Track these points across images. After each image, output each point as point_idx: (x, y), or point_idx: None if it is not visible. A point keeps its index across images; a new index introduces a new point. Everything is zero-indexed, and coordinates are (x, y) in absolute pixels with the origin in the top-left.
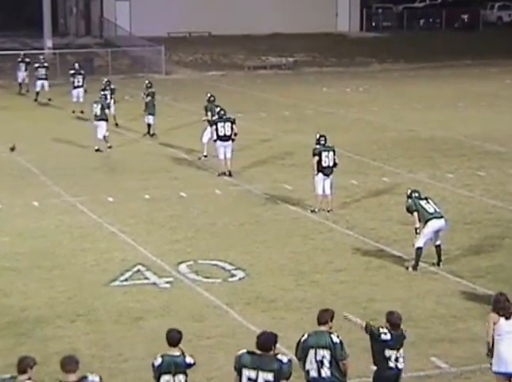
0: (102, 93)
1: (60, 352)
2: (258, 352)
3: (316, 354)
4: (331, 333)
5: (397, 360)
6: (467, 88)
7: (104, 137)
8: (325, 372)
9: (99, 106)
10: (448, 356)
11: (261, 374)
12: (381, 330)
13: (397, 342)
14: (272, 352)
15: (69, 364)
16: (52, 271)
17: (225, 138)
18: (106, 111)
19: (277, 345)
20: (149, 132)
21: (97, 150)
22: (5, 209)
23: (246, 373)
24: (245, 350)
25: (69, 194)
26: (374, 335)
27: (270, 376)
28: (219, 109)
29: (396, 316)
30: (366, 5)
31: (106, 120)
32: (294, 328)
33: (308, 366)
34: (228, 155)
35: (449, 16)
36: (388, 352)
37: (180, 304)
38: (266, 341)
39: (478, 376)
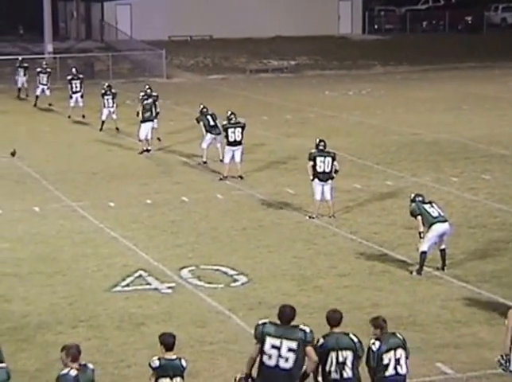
0: (106, 98)
1: None
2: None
3: (338, 356)
4: (348, 333)
5: (398, 362)
6: (472, 91)
7: (146, 138)
8: (347, 372)
9: (141, 108)
10: (453, 362)
11: (285, 342)
12: (370, 344)
13: (388, 343)
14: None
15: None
16: (53, 277)
17: (235, 144)
18: (148, 113)
19: None
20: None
21: (147, 151)
22: (6, 214)
23: (271, 341)
24: (266, 320)
25: (70, 199)
26: (368, 353)
27: (294, 345)
28: (229, 113)
29: (380, 318)
30: (369, 8)
31: (152, 121)
32: None
33: (328, 368)
34: (238, 159)
35: (452, 18)
36: (386, 358)
37: (182, 309)
38: (290, 314)
39: (483, 381)
